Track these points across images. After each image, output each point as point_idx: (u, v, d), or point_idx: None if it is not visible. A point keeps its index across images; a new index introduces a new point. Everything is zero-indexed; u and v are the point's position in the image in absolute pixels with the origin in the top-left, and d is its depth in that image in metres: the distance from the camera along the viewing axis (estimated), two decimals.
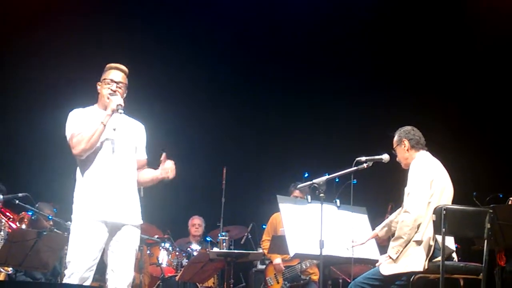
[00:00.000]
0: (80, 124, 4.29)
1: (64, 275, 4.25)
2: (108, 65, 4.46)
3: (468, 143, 8.05)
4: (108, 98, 4.32)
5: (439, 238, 4.36)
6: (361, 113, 8.66)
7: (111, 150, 4.31)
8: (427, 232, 4.47)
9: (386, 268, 4.52)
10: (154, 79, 8.70)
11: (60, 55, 8.11)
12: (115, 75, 4.40)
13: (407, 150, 4.79)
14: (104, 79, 4.40)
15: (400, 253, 4.47)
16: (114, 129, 4.33)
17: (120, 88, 4.37)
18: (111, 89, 4.34)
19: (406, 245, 4.48)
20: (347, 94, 8.80)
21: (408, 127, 4.87)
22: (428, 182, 4.54)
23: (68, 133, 4.32)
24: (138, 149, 4.49)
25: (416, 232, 4.47)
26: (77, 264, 4.18)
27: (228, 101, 9.12)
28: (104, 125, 4.24)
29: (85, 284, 4.20)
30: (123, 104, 4.30)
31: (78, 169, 4.36)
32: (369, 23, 8.84)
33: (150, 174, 4.49)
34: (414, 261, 4.43)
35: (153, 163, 4.62)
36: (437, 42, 8.63)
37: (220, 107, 9.09)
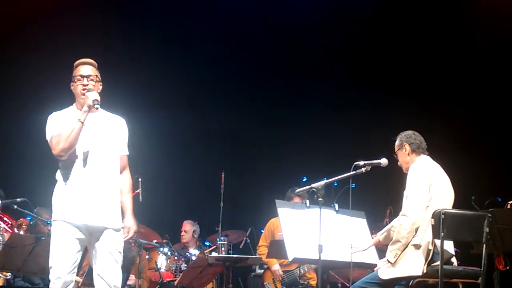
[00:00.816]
0: (59, 126, 4.25)
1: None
2: (75, 63, 4.42)
3: (467, 146, 8.05)
4: (83, 94, 4.27)
5: (438, 242, 4.35)
6: (359, 117, 8.66)
7: (91, 151, 4.25)
8: (425, 236, 4.46)
9: (384, 272, 4.52)
10: (153, 81, 8.70)
11: (59, 55, 8.09)
12: (83, 70, 4.36)
13: (408, 154, 4.81)
14: (74, 76, 4.36)
15: (399, 257, 4.47)
16: (93, 130, 4.27)
17: (91, 80, 4.33)
18: (83, 84, 4.31)
19: (404, 249, 4.48)
20: (345, 98, 8.81)
21: (410, 132, 4.89)
22: (427, 186, 4.54)
23: (48, 136, 4.28)
24: (119, 145, 4.42)
25: (414, 236, 4.47)
26: (59, 269, 4.16)
27: (226, 105, 9.11)
28: (82, 123, 4.19)
29: (68, 287, 4.19)
30: (99, 99, 4.25)
31: (58, 171, 4.32)
32: (368, 25, 8.84)
33: (123, 201, 4.44)
34: (413, 265, 4.43)
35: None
36: (437, 44, 8.62)
37: (219, 112, 9.09)
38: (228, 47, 9.10)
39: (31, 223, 6.26)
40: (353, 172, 4.76)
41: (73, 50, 8.02)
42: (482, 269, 4.32)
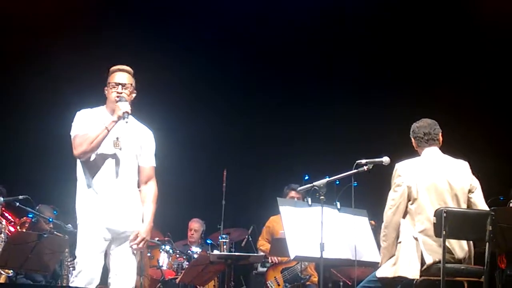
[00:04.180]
0: (86, 125, 4.28)
1: (64, 277, 4.28)
2: (111, 68, 4.44)
3: (469, 145, 8.01)
4: (116, 102, 4.29)
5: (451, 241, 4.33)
6: (361, 115, 8.64)
7: (113, 157, 4.30)
8: (409, 236, 4.39)
9: (380, 270, 4.49)
10: (156, 80, 8.69)
11: (65, 56, 8.12)
12: (120, 77, 4.38)
13: (416, 148, 4.69)
14: (109, 82, 4.38)
15: (397, 257, 4.41)
16: (117, 138, 4.32)
17: (126, 88, 4.35)
18: (117, 92, 4.32)
19: (390, 250, 4.45)
20: (347, 96, 8.79)
21: (415, 124, 4.71)
22: (403, 186, 4.42)
23: (72, 133, 4.32)
24: (143, 156, 4.46)
25: (399, 237, 4.44)
26: (85, 265, 4.21)
27: (228, 103, 9.11)
28: (108, 131, 4.23)
29: (91, 285, 4.22)
30: (129, 112, 4.27)
31: (80, 173, 4.35)
32: (369, 22, 8.83)
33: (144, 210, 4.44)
34: (408, 266, 4.35)
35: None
36: (440, 40, 8.57)
37: (221, 110, 9.09)
38: (230, 45, 9.10)
39: (33, 220, 6.27)
40: (355, 170, 4.73)
41: (79, 50, 8.11)
42: (485, 267, 4.30)
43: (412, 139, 4.70)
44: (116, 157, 4.31)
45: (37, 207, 6.23)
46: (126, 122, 4.25)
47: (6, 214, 6.30)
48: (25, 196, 5.99)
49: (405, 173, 4.48)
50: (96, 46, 8.12)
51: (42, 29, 8.16)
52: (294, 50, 9.15)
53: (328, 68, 9.07)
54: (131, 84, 4.40)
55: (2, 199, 6.13)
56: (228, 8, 8.97)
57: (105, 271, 4.39)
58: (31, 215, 6.19)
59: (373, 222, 5.49)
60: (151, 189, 4.49)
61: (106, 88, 4.42)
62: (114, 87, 4.34)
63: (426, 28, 8.64)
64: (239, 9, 8.91)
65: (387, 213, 4.47)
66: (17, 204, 5.98)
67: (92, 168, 4.29)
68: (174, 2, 8.94)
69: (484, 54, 8.34)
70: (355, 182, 4.83)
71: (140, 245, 4.35)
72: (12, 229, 6.19)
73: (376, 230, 5.03)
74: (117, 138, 4.33)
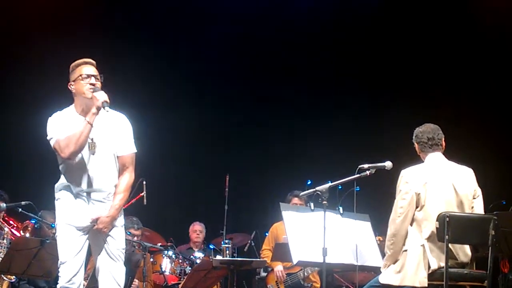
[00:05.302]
0: (62, 128, 4.20)
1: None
2: (75, 63, 4.30)
3: (471, 149, 8.01)
4: (92, 95, 4.16)
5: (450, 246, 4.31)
6: (364, 120, 8.65)
7: (91, 159, 4.23)
8: (416, 243, 4.37)
9: (384, 277, 4.47)
10: (158, 83, 8.71)
11: (63, 56, 8.11)
12: (89, 69, 4.25)
13: (419, 153, 4.67)
14: (80, 75, 4.22)
15: (402, 265, 4.40)
16: (92, 139, 4.22)
17: (97, 80, 4.22)
18: (90, 83, 4.20)
19: (395, 257, 4.44)
20: (349, 101, 8.80)
21: (419, 128, 4.67)
22: (411, 193, 4.39)
23: (52, 139, 4.22)
24: (121, 145, 4.32)
25: (404, 244, 4.42)
26: (65, 263, 4.18)
27: (232, 108, 9.12)
28: (91, 124, 4.12)
29: (73, 285, 4.19)
30: (108, 101, 4.16)
31: (62, 176, 4.33)
32: (370, 26, 8.84)
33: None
34: (415, 275, 4.34)
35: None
36: (441, 40, 8.57)
37: (223, 115, 9.09)
38: (234, 48, 9.10)
39: (36, 226, 6.27)
40: (358, 175, 4.71)
41: (77, 52, 8.10)
42: (488, 272, 4.29)
43: (415, 144, 4.68)
44: (92, 158, 4.23)
45: (40, 213, 6.22)
46: (107, 111, 4.16)
47: (11, 222, 6.30)
48: (27, 202, 5.98)
49: (412, 180, 4.45)
50: (96, 45, 8.12)
51: (42, 29, 8.18)
52: (295, 53, 9.17)
53: (330, 73, 9.08)
54: (100, 76, 4.27)
55: (4, 205, 6.12)
56: (232, 7, 8.98)
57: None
58: (33, 221, 6.18)
59: (380, 238, 5.47)
60: (125, 179, 4.33)
61: (72, 83, 4.28)
62: (86, 79, 4.21)
63: (425, 31, 8.65)
64: (243, 10, 8.92)
65: (396, 221, 4.42)
66: (20, 210, 5.97)
67: (70, 171, 4.24)
68: (174, 2, 8.96)
69: (484, 55, 8.35)
70: (358, 187, 4.83)
71: (100, 226, 4.22)
72: (16, 233, 6.19)
73: (382, 245, 5.01)
74: (92, 139, 4.23)
